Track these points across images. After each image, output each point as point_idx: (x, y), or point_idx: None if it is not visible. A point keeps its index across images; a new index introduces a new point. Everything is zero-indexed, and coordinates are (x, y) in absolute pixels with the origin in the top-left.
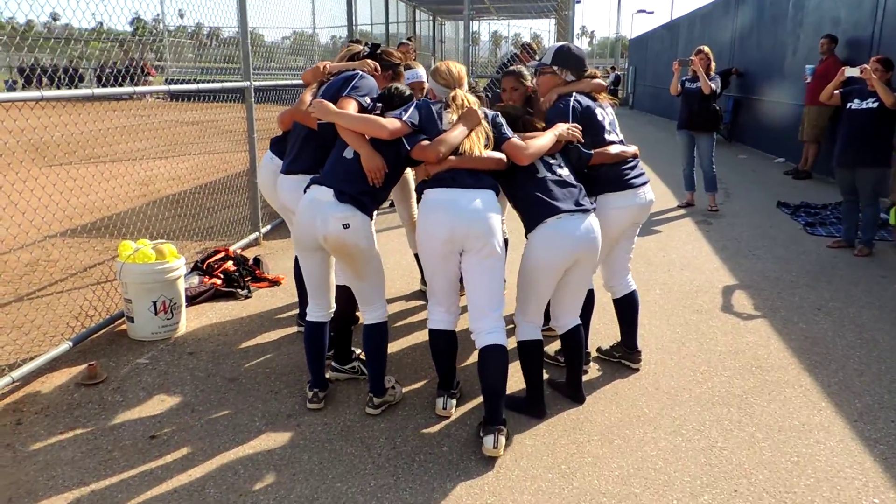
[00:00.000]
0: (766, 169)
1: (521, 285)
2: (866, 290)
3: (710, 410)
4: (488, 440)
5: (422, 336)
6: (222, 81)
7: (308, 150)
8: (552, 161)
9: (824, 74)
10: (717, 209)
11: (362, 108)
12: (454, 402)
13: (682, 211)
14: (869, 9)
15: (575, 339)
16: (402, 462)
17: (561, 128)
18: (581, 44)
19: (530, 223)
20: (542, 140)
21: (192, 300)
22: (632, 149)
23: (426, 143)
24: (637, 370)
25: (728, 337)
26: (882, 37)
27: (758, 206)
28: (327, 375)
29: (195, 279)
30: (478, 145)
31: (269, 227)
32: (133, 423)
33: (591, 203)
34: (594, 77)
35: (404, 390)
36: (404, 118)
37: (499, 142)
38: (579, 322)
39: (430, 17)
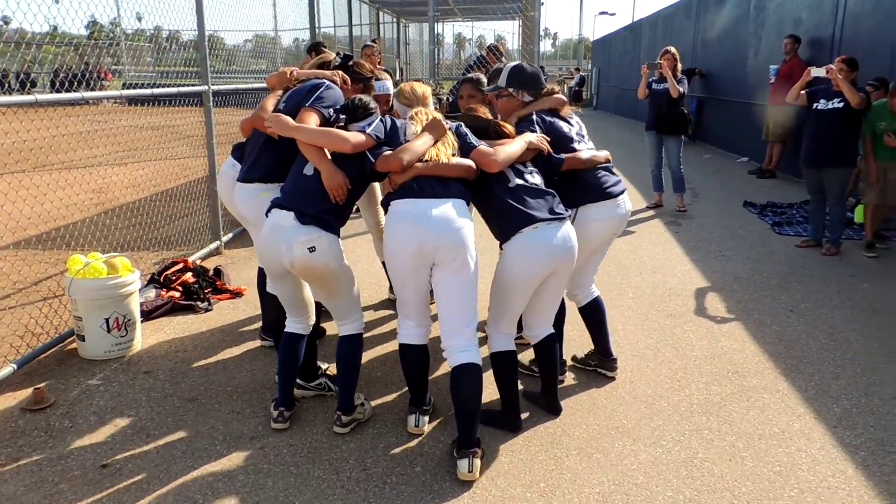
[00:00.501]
0: (731, 168)
1: (495, 296)
2: (837, 289)
3: (690, 419)
4: (462, 464)
5: (391, 347)
6: (181, 85)
7: (266, 158)
8: (524, 169)
9: (788, 74)
10: (685, 210)
11: (324, 121)
12: (426, 418)
13: (651, 212)
14: (829, 9)
15: (549, 349)
16: (372, 485)
17: (530, 136)
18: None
19: (505, 233)
20: (512, 147)
21: (149, 315)
22: (603, 153)
23: (389, 152)
24: (613, 378)
25: (703, 341)
26: (843, 37)
27: (725, 206)
28: (296, 394)
29: (152, 292)
30: (444, 153)
31: (230, 235)
32: (83, 451)
33: (567, 212)
34: (553, 93)
35: (374, 405)
36: (368, 131)
37: (465, 151)
38: (553, 331)
39: (394, 20)
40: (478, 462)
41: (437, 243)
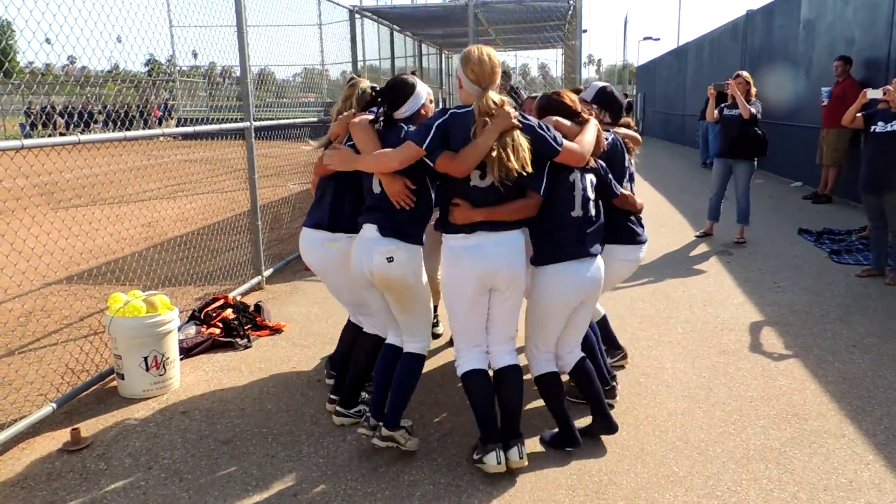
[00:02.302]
0: (785, 194)
1: (532, 321)
2: None
3: (746, 467)
4: (512, 453)
5: (429, 387)
6: (225, 121)
7: (334, 205)
8: (590, 197)
9: (841, 96)
10: (744, 241)
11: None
12: (516, 450)
13: (700, 241)
14: (884, 28)
15: (584, 372)
16: None
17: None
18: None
19: (545, 257)
20: (590, 135)
21: (189, 352)
22: (640, 202)
23: (450, 155)
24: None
25: (759, 380)
26: None
27: (779, 234)
28: (335, 421)
29: (192, 329)
30: (509, 157)
31: (271, 270)
32: (115, 494)
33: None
34: (629, 126)
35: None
36: (422, 145)
37: (547, 151)
38: (582, 355)
39: (437, 51)
40: (524, 450)
41: (495, 276)
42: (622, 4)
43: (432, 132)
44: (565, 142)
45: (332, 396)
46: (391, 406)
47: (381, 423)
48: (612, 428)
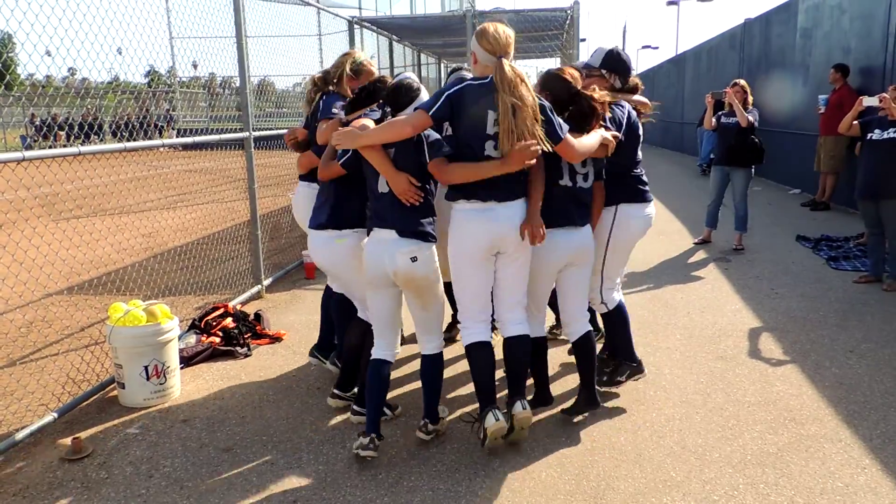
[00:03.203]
0: (783, 201)
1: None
2: None
3: (743, 472)
4: (517, 406)
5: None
6: (224, 131)
7: (341, 204)
8: (580, 170)
9: (838, 104)
10: (742, 248)
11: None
12: (520, 403)
13: (698, 248)
14: (879, 37)
15: (585, 349)
16: None
17: (606, 134)
18: None
19: None
20: (590, 142)
21: (189, 361)
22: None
23: (442, 162)
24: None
25: (756, 386)
26: (895, 65)
27: (777, 241)
28: (350, 418)
29: (192, 338)
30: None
31: (271, 279)
32: (116, 503)
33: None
34: (637, 88)
35: (398, 451)
36: (429, 111)
37: (551, 136)
38: (590, 328)
39: (436, 61)
40: (527, 403)
41: (504, 237)
42: (621, 13)
43: (440, 101)
44: (568, 135)
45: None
46: (429, 405)
47: (425, 419)
48: (594, 402)
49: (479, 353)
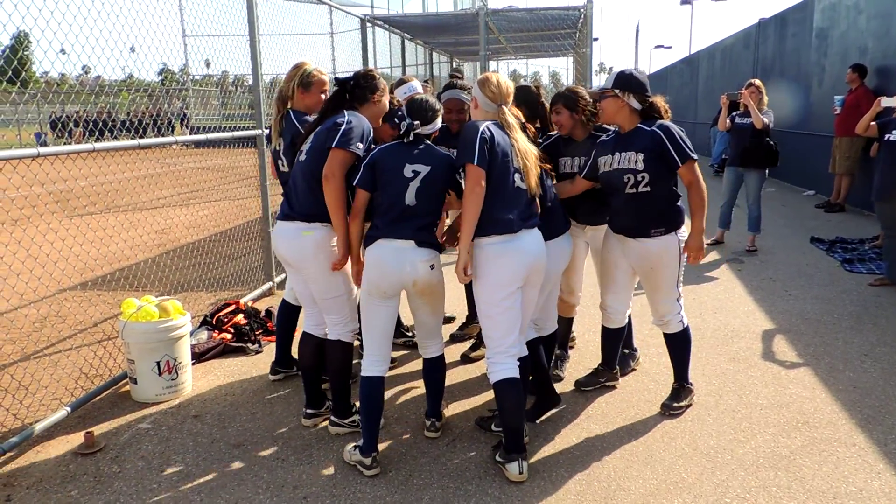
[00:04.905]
0: (797, 202)
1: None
2: None
3: (755, 475)
4: (513, 467)
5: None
6: (236, 129)
7: (310, 197)
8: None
9: (855, 105)
10: (755, 249)
11: (356, 159)
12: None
13: (711, 249)
14: None
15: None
16: None
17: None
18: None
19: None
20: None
21: (201, 357)
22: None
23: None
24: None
25: (770, 388)
26: None
27: (791, 243)
28: (331, 430)
29: (204, 334)
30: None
31: (282, 276)
32: (127, 497)
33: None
34: (663, 110)
35: (408, 450)
36: (477, 161)
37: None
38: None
39: (448, 59)
40: (525, 466)
41: (537, 266)
42: (634, 12)
43: (478, 148)
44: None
45: (308, 411)
46: (433, 403)
47: (431, 419)
48: (555, 399)
49: (509, 391)
